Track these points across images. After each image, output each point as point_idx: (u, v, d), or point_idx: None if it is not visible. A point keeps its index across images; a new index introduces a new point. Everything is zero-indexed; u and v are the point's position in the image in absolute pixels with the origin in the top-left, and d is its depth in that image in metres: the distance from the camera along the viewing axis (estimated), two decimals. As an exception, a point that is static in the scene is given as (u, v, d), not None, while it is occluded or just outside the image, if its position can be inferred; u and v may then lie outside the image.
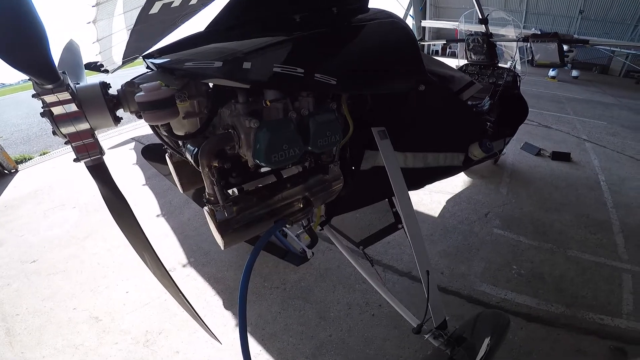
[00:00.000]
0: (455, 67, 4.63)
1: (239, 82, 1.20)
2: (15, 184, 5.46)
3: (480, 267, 3.14)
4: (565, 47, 4.52)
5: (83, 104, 1.08)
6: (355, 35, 1.52)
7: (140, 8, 1.70)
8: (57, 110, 1.03)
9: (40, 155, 6.89)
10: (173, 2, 1.67)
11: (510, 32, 4.48)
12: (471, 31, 4.69)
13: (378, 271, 2.52)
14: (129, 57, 1.95)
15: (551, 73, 12.58)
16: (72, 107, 1.05)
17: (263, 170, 1.60)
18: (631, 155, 5.64)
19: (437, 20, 18.01)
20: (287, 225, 1.64)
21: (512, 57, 4.38)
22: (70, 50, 1.75)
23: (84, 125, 1.10)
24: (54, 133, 1.08)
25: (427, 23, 18.04)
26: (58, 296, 3.02)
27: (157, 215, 4.15)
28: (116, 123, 1.19)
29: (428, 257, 1.97)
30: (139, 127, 7.70)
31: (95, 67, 2.28)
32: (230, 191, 1.66)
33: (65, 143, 1.10)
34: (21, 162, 6.43)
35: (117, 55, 2.14)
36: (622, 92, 10.95)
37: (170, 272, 1.42)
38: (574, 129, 6.89)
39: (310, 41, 1.37)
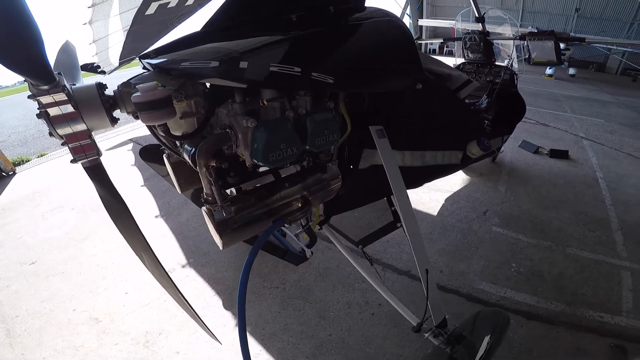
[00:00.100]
0: (452, 66, 4.64)
1: (236, 81, 1.20)
2: (13, 186, 5.44)
3: (480, 265, 3.15)
4: (561, 45, 4.54)
5: (79, 104, 1.08)
6: (352, 34, 1.52)
7: (137, 9, 1.70)
8: (53, 112, 1.03)
9: (38, 157, 6.85)
10: (169, 2, 1.67)
11: (507, 30, 4.49)
12: (468, 30, 4.70)
13: (377, 270, 2.52)
14: (125, 58, 1.95)
15: (548, 71, 12.61)
16: (69, 108, 1.04)
17: (261, 169, 1.60)
18: (629, 152, 5.66)
19: (434, 19, 18.05)
20: (286, 225, 1.64)
21: (509, 56, 4.40)
22: (66, 51, 1.75)
23: (80, 126, 1.10)
24: (50, 134, 1.08)
25: (424, 22, 18.06)
26: (57, 297, 3.01)
27: (156, 216, 4.15)
28: (113, 124, 1.19)
29: (427, 255, 1.97)
30: (137, 128, 7.69)
31: (91, 68, 2.27)
32: (228, 191, 1.66)
33: (62, 144, 1.10)
34: (19, 164, 6.41)
35: (114, 56, 2.13)
36: (619, 90, 10.99)
37: (169, 273, 1.42)
38: (571, 127, 6.91)
39: (307, 40, 1.37)
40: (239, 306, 1.36)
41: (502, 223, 3.75)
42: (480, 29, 4.48)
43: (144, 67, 1.36)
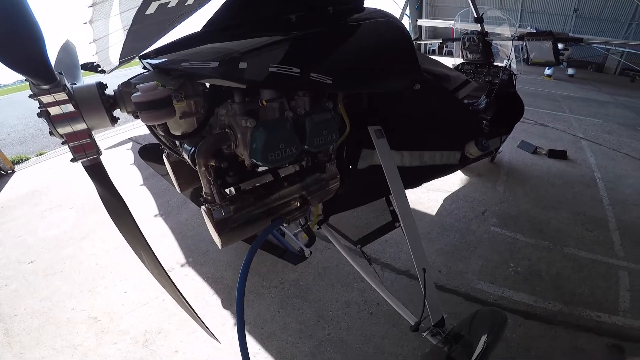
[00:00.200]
0: (451, 66, 4.65)
1: (235, 82, 1.20)
2: (12, 185, 5.45)
3: (478, 265, 3.16)
4: (560, 46, 4.56)
5: (80, 104, 1.09)
6: (350, 34, 1.52)
7: (137, 8, 1.71)
8: (54, 111, 1.04)
9: (37, 156, 6.86)
10: (169, 2, 1.68)
11: (506, 30, 4.50)
12: (467, 30, 4.71)
13: (376, 269, 2.53)
14: (125, 58, 1.95)
15: (547, 72, 12.65)
16: (69, 108, 1.05)
17: (260, 169, 1.61)
18: (627, 152, 5.68)
19: (433, 19, 18.07)
20: (285, 224, 1.65)
21: (507, 56, 4.41)
22: (67, 50, 1.75)
23: (80, 126, 1.10)
24: (50, 133, 1.09)
25: (423, 22, 18.07)
26: (56, 296, 3.02)
27: (155, 216, 4.15)
28: (113, 123, 1.20)
29: (425, 254, 1.98)
30: (136, 128, 7.69)
31: (91, 67, 2.28)
32: (227, 190, 1.67)
33: (62, 143, 1.11)
34: (18, 162, 6.42)
35: (114, 56, 2.14)
36: (618, 90, 11.02)
37: (168, 272, 1.43)
38: (570, 127, 6.93)
39: (306, 41, 1.37)
40: (238, 305, 1.36)
41: (500, 223, 3.76)
42: (478, 30, 4.49)
43: (144, 67, 1.37)
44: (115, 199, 1.24)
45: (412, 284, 2.94)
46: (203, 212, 1.42)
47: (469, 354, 1.75)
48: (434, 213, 4.00)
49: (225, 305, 2.82)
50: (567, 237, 3.51)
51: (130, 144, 6.79)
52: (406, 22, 17.92)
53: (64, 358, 2.48)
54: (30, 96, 1.00)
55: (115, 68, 2.22)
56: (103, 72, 2.33)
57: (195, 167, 1.32)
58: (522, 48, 4.57)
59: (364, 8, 1.61)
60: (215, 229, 1.39)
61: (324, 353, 2.42)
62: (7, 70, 0.86)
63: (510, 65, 4.29)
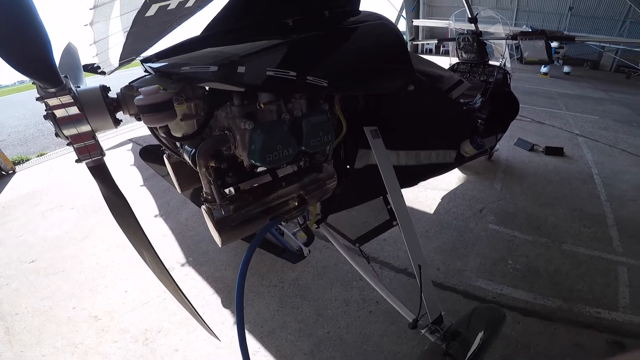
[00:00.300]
0: (447, 66, 4.69)
1: (234, 85, 1.23)
2: (13, 185, 5.46)
3: (476, 262, 3.18)
4: (555, 44, 4.60)
5: (84, 106, 1.11)
6: (345, 38, 1.55)
7: (137, 11, 1.73)
8: (59, 113, 1.06)
9: (38, 156, 6.87)
10: (169, 4, 1.70)
11: (499, 30, 4.54)
12: (462, 30, 4.74)
13: (374, 268, 2.55)
14: (125, 59, 1.98)
15: (543, 70, 12.71)
16: (74, 110, 1.08)
17: (259, 170, 1.64)
18: (623, 148, 5.73)
19: (429, 19, 18.11)
20: (284, 223, 1.67)
21: (502, 55, 4.44)
22: (69, 53, 1.78)
23: (85, 127, 1.13)
24: (56, 135, 1.12)
25: (419, 22, 18.12)
26: (57, 295, 3.04)
27: (155, 216, 4.17)
28: (116, 125, 1.22)
29: (421, 252, 2.00)
30: (136, 129, 7.71)
31: (92, 68, 2.30)
32: (227, 190, 1.69)
33: (67, 144, 1.13)
34: (18, 163, 6.43)
35: (114, 57, 2.16)
36: (613, 87, 11.09)
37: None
38: (566, 124, 6.97)
39: (302, 45, 1.40)
40: (238, 304, 1.38)
41: (498, 220, 3.79)
42: (473, 30, 4.52)
43: (146, 71, 1.39)
44: (118, 198, 1.27)
45: (410, 282, 2.96)
46: (203, 212, 1.45)
47: (466, 350, 1.77)
48: (432, 211, 4.02)
49: (225, 304, 2.85)
50: (565, 234, 3.53)
51: (130, 145, 6.81)
52: (403, 23, 17.99)
53: (65, 356, 2.50)
54: (37, 99, 1.02)
55: (115, 69, 2.25)
56: (103, 73, 2.35)
57: (196, 167, 1.35)
58: (515, 47, 4.60)
59: (360, 11, 1.64)
60: (215, 228, 1.41)
61: (323, 351, 2.43)
62: (7, 70, 0.89)
63: (504, 64, 4.32)
